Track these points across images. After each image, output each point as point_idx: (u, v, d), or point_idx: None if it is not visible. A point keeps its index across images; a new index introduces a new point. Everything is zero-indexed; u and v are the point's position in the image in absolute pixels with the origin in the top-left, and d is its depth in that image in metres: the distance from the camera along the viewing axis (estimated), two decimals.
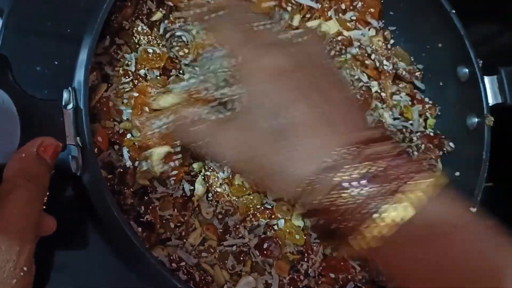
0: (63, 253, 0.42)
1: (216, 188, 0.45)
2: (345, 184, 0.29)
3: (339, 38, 0.51)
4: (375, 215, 0.29)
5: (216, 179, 0.45)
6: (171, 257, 0.42)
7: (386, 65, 0.53)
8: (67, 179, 0.42)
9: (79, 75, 0.39)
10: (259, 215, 0.45)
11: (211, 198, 0.45)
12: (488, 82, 0.50)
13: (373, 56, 0.53)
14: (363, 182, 0.29)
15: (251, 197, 0.46)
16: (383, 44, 0.54)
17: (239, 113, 0.34)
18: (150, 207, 0.42)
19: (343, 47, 0.51)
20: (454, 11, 0.50)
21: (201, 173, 0.46)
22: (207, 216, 0.45)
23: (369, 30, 0.54)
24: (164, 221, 0.43)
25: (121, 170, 0.41)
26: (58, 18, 0.45)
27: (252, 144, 0.33)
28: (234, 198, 0.46)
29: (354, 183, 0.29)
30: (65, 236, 0.37)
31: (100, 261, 0.43)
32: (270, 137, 0.32)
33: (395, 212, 0.29)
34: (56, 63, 0.44)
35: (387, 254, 0.31)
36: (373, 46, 0.53)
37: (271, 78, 0.33)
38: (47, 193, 0.35)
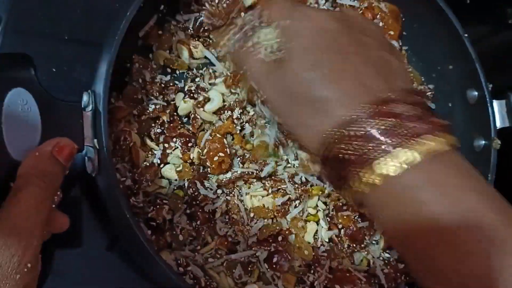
0: (61, 254, 0.42)
1: (233, 215, 0.45)
2: (360, 133, 0.32)
3: None
4: (381, 159, 0.32)
5: (234, 204, 0.46)
6: (179, 261, 0.42)
7: None
8: (72, 180, 0.43)
9: (100, 81, 0.39)
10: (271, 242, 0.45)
11: (227, 220, 0.45)
12: (497, 105, 0.51)
13: None
14: (375, 134, 0.32)
15: (269, 222, 0.46)
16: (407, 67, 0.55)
17: (285, 61, 0.36)
18: (157, 209, 0.43)
19: None
20: (466, 35, 0.51)
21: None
22: (220, 233, 0.45)
23: None
24: (174, 232, 0.43)
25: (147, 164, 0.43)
26: (57, 20, 0.46)
27: (288, 92, 0.36)
28: (248, 227, 0.45)
29: (367, 133, 0.32)
30: (64, 237, 0.37)
31: (98, 263, 0.43)
32: (303, 88, 0.35)
33: (403, 156, 0.31)
34: (54, 69, 0.45)
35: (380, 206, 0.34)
36: None
37: (315, 36, 0.36)
38: (59, 193, 0.36)
